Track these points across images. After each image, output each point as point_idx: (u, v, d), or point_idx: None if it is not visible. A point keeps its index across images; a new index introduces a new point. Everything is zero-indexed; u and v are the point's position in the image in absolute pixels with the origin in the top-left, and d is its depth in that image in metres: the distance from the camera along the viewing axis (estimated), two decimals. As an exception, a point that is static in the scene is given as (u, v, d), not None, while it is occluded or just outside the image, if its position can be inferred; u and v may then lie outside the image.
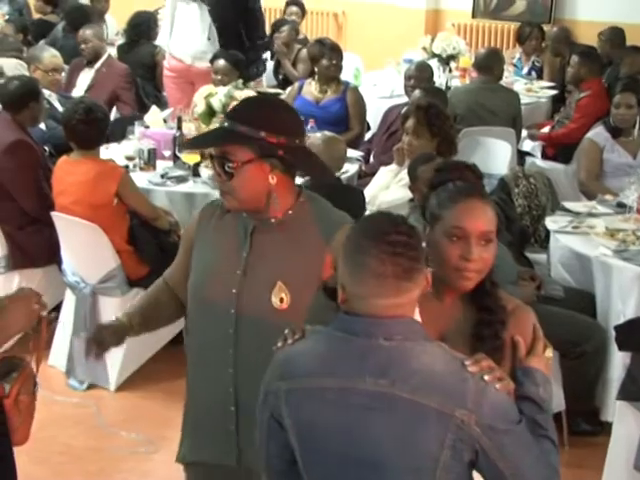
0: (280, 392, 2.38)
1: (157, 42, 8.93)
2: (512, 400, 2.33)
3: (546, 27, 11.55)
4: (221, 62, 7.53)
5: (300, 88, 7.76)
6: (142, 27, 9.13)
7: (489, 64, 8.04)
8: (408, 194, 5.24)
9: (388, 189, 5.80)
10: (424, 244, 2.53)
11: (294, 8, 10.85)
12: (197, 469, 3.17)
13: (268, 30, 9.70)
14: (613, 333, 4.06)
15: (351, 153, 6.83)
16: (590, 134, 6.79)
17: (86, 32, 8.35)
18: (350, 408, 2.28)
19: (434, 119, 5.73)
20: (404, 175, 5.65)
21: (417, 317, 2.40)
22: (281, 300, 2.88)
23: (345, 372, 2.29)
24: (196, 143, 3.78)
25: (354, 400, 2.27)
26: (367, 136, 7.90)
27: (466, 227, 2.55)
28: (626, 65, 8.46)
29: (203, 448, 3.09)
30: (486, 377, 2.26)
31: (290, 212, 2.97)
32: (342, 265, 2.35)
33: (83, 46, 8.31)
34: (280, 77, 9.49)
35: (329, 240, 2.89)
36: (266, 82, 9.41)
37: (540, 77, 9.90)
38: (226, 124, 2.91)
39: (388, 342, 2.27)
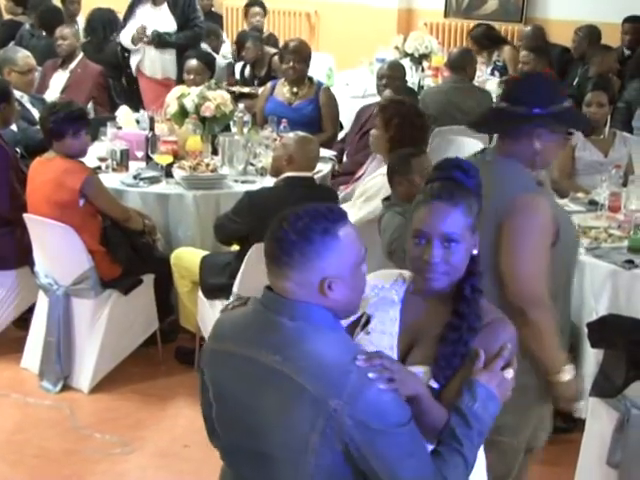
0: (207, 350, 2.55)
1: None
2: (398, 401, 2.30)
3: (518, 26, 11.64)
4: (193, 62, 7.54)
5: (272, 89, 7.72)
6: (102, 25, 9.13)
7: (462, 63, 8.07)
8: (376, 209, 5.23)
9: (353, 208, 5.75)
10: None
11: (256, 9, 10.64)
12: None
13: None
14: (586, 330, 4.07)
15: (324, 152, 6.83)
16: (562, 132, 6.80)
17: (64, 30, 8.34)
18: (247, 377, 2.39)
19: (389, 115, 5.75)
20: (365, 188, 5.64)
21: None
22: None
23: (250, 342, 2.40)
24: None
25: (252, 370, 2.37)
26: (340, 135, 7.90)
27: (426, 229, 2.57)
28: (595, 64, 8.53)
29: None
30: (371, 374, 2.27)
31: None
32: None
33: (60, 42, 8.26)
34: (255, 81, 9.41)
35: None
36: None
37: (504, 75, 9.93)
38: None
39: (290, 322, 2.35)
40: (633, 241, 4.91)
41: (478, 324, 2.57)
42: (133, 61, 8.84)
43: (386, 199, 5.06)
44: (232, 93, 7.96)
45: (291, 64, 7.48)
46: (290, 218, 2.37)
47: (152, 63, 8.71)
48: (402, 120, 5.64)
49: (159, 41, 8.60)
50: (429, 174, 2.72)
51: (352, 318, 2.72)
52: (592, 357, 4.59)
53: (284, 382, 2.30)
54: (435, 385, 2.53)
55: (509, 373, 2.51)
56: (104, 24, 9.20)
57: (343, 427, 2.25)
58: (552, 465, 4.75)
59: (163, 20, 8.63)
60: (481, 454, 2.72)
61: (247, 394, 2.39)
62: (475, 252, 2.63)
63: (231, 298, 5.08)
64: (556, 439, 4.90)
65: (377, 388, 2.26)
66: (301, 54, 7.55)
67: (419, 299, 2.67)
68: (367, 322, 2.69)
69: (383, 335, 2.65)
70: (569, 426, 4.97)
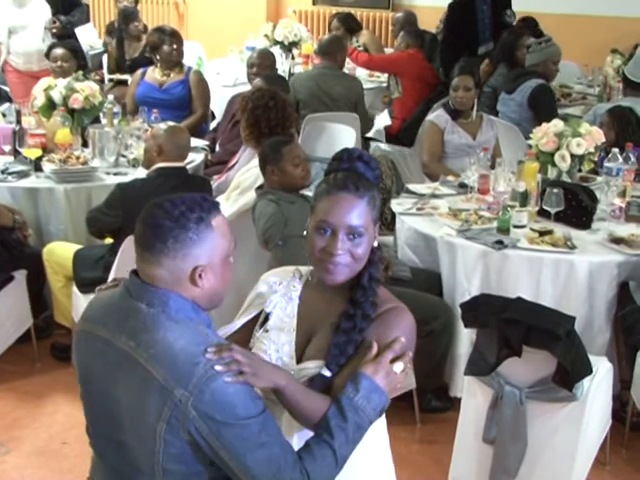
0: (76, 331, 2.55)
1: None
2: (248, 394, 2.30)
3: (385, 12, 11.79)
4: (59, 50, 7.46)
5: (143, 74, 7.74)
6: None
7: (331, 49, 8.13)
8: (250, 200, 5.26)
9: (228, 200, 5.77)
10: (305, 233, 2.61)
11: None
12: None
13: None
14: (459, 311, 4.15)
15: (197, 142, 6.81)
16: (431, 117, 6.92)
17: None
18: (108, 361, 2.40)
19: (245, 102, 5.85)
20: (240, 180, 5.65)
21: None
22: None
23: (112, 326, 2.41)
24: None
25: (111, 355, 2.39)
26: (212, 125, 7.89)
27: (332, 221, 2.54)
28: None
29: None
30: (218, 367, 2.27)
31: None
32: None
33: None
34: (127, 63, 9.32)
35: None
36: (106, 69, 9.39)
37: None
38: None
39: (148, 308, 2.36)
40: (502, 222, 5.02)
41: (372, 312, 2.57)
42: None
43: (259, 188, 5.07)
44: (101, 81, 7.89)
45: (175, 46, 7.61)
46: (165, 205, 2.37)
47: (28, 56, 8.53)
48: (255, 104, 5.78)
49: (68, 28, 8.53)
50: (329, 164, 2.69)
51: (250, 315, 2.73)
52: (466, 337, 4.69)
53: (135, 368, 2.31)
54: (328, 373, 2.53)
55: (399, 367, 2.49)
56: None
57: (188, 417, 2.26)
58: (430, 443, 4.84)
59: (37, 11, 8.48)
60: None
61: (105, 379, 2.40)
62: (375, 244, 2.62)
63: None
64: (433, 418, 5.03)
65: (223, 380, 2.26)
66: (179, 37, 7.73)
67: (316, 291, 2.67)
68: (266, 320, 2.68)
69: (281, 332, 2.65)
70: (445, 405, 5.07)
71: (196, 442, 2.29)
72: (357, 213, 2.55)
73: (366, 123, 8.04)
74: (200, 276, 2.38)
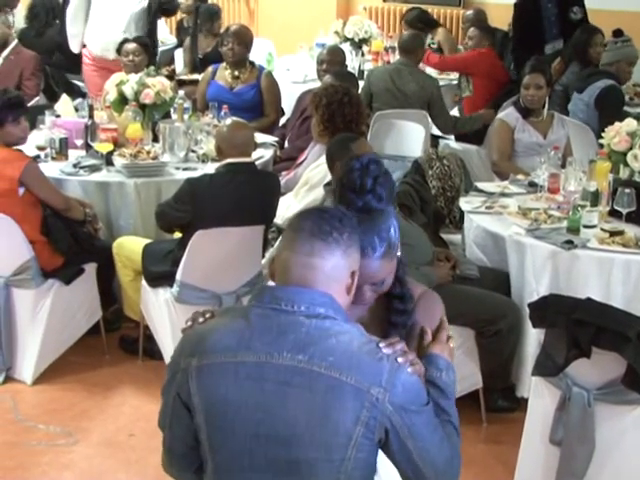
0: (190, 369, 2.35)
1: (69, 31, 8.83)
2: (422, 382, 2.38)
3: (456, 10, 11.73)
4: (130, 45, 7.51)
5: (214, 73, 7.74)
6: (45, 11, 9.09)
7: (410, 46, 8.06)
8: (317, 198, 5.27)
9: (296, 196, 5.80)
10: None
11: None
12: None
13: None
14: (527, 311, 4.11)
15: (266, 138, 6.85)
16: (501, 115, 6.87)
17: None
18: (265, 383, 2.29)
19: (318, 98, 5.87)
20: (309, 176, 5.67)
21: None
22: None
23: (262, 347, 2.29)
24: None
25: (269, 375, 2.28)
26: (281, 121, 7.91)
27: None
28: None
29: None
30: (400, 359, 2.30)
31: None
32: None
33: None
34: (198, 58, 9.39)
35: None
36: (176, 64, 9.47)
37: None
38: None
39: (308, 319, 2.30)
40: (572, 222, 4.96)
41: (412, 304, 2.66)
42: (74, 46, 8.72)
43: (328, 184, 5.07)
44: (171, 77, 7.96)
45: (230, 46, 7.57)
46: (325, 211, 2.42)
47: (106, 44, 8.59)
48: (329, 100, 5.79)
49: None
50: (342, 194, 2.64)
51: None
52: (534, 337, 4.65)
53: (315, 380, 2.26)
54: None
55: (452, 342, 2.60)
56: (47, 10, 9.21)
57: (385, 414, 2.27)
58: (496, 444, 4.81)
59: (113, 8, 8.59)
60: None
61: (264, 402, 2.29)
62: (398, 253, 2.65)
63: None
64: (500, 418, 5.00)
65: (407, 371, 2.31)
66: (241, 37, 7.62)
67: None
68: None
69: None
70: (512, 405, 5.04)
71: (386, 440, 2.31)
72: (378, 268, 2.55)
73: (446, 122, 7.95)
74: (352, 283, 2.39)
